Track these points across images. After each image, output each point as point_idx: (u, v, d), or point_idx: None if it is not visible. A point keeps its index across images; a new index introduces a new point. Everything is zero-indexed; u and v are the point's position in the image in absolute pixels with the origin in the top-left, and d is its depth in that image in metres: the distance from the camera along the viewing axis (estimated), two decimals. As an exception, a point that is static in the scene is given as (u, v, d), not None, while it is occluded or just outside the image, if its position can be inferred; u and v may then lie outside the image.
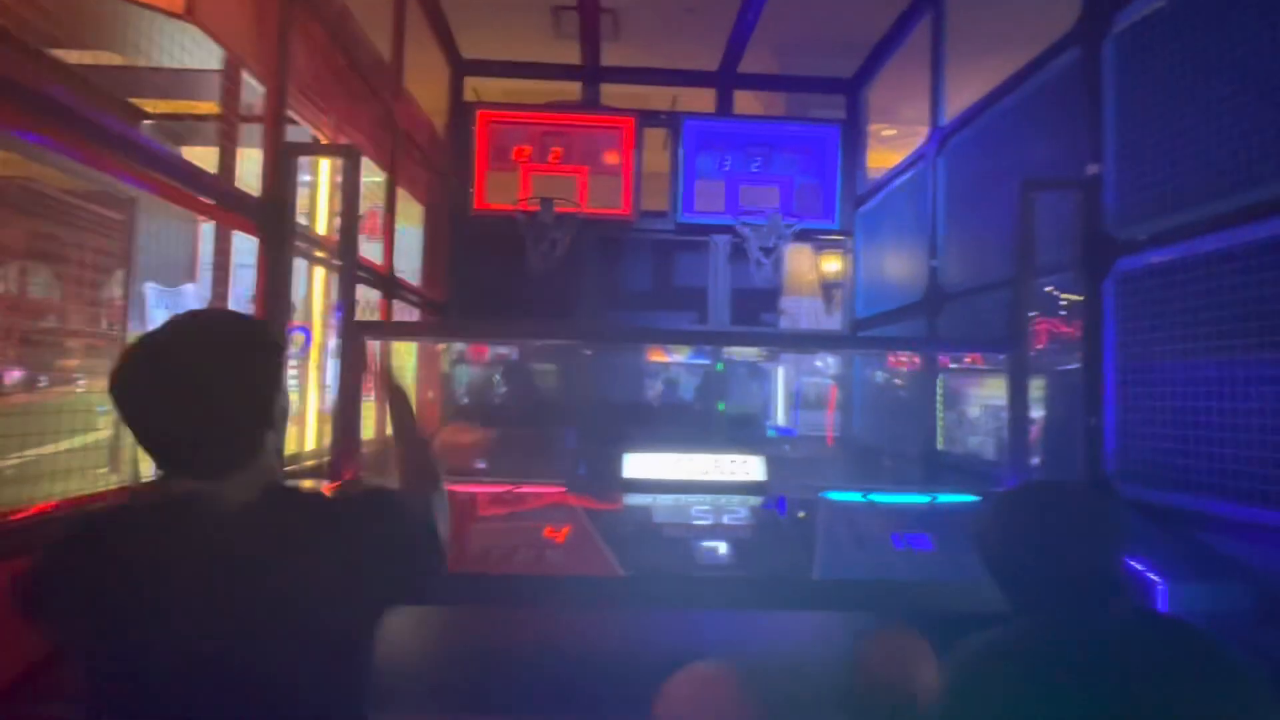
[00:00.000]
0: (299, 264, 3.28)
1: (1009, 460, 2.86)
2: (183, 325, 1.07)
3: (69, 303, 3.21)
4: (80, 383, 3.31)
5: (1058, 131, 3.13)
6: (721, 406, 5.55)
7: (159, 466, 1.05)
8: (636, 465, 2.87)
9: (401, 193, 4.55)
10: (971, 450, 5.05)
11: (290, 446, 3.55)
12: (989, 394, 5.12)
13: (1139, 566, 2.11)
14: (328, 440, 3.28)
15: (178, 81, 3.04)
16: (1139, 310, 2.59)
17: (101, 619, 0.98)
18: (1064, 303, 3.33)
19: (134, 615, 0.97)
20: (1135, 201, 2.63)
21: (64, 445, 2.26)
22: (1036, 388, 3.40)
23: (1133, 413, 2.61)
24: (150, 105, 3.91)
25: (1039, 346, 3.38)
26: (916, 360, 4.69)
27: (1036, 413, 3.49)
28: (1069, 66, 3.03)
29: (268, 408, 1.06)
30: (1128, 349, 2.64)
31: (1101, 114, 2.77)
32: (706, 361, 5.89)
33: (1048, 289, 3.29)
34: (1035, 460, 3.24)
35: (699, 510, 2.57)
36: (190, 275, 4.45)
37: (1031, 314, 3.26)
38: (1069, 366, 2.95)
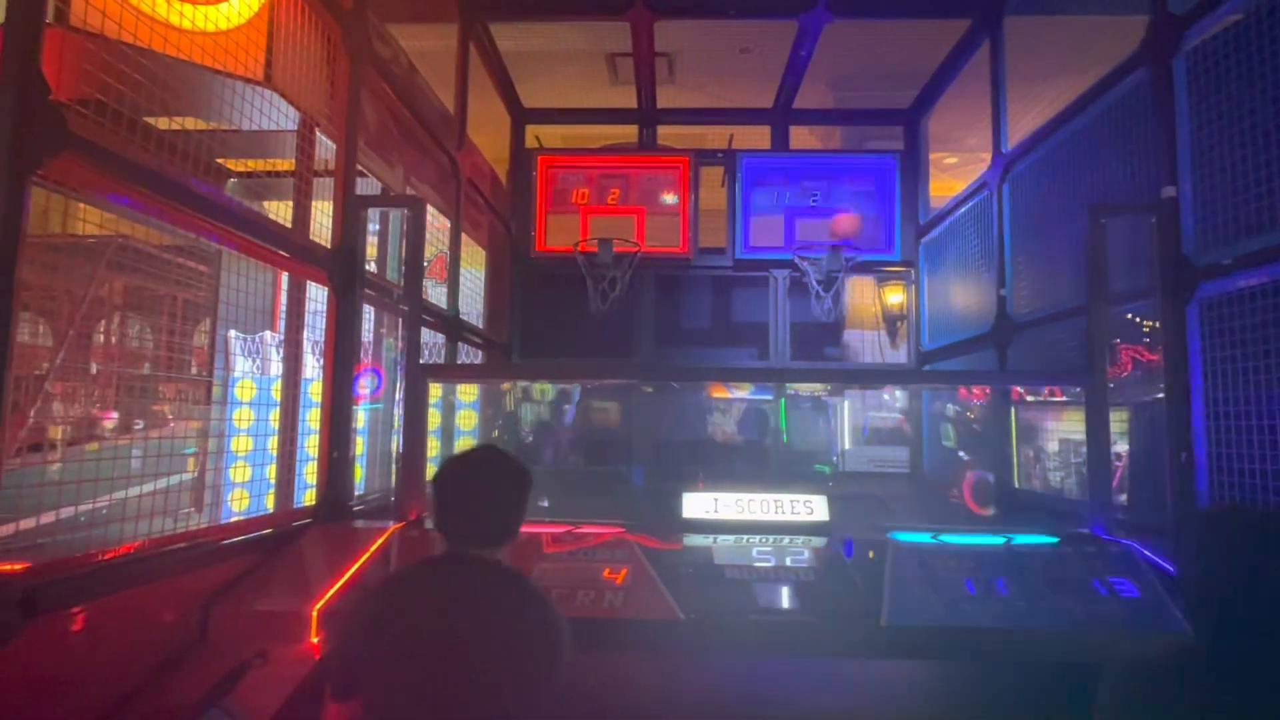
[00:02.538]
0: (369, 309, 3.41)
1: (1090, 498, 2.71)
2: (484, 455, 1.70)
3: (160, 350, 3.40)
4: (170, 426, 3.50)
5: (1127, 154, 3.02)
6: (785, 443, 5.46)
7: (450, 541, 1.57)
8: (696, 505, 2.84)
9: (465, 238, 4.71)
10: (1050, 487, 4.81)
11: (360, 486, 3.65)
12: (1067, 427, 4.87)
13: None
14: (394, 480, 3.36)
15: (258, 142, 3.24)
16: (1228, 337, 2.45)
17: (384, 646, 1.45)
18: (1146, 330, 3.17)
19: (406, 639, 1.45)
20: (1216, 224, 2.50)
21: (149, 487, 2.39)
22: (1120, 420, 3.23)
23: (1226, 446, 2.44)
24: (234, 164, 4.18)
25: (1123, 374, 3.21)
26: (988, 393, 4.52)
27: (1121, 446, 3.31)
28: (1137, 87, 2.93)
29: (519, 514, 1.64)
30: (1217, 379, 2.48)
31: (1174, 135, 2.66)
32: (769, 397, 5.81)
33: (1129, 316, 3.14)
34: (1121, 498, 3.06)
35: (760, 552, 2.51)
36: (270, 323, 4.69)
37: (1114, 341, 3.11)
38: (1154, 397, 2.79)
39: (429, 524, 2.68)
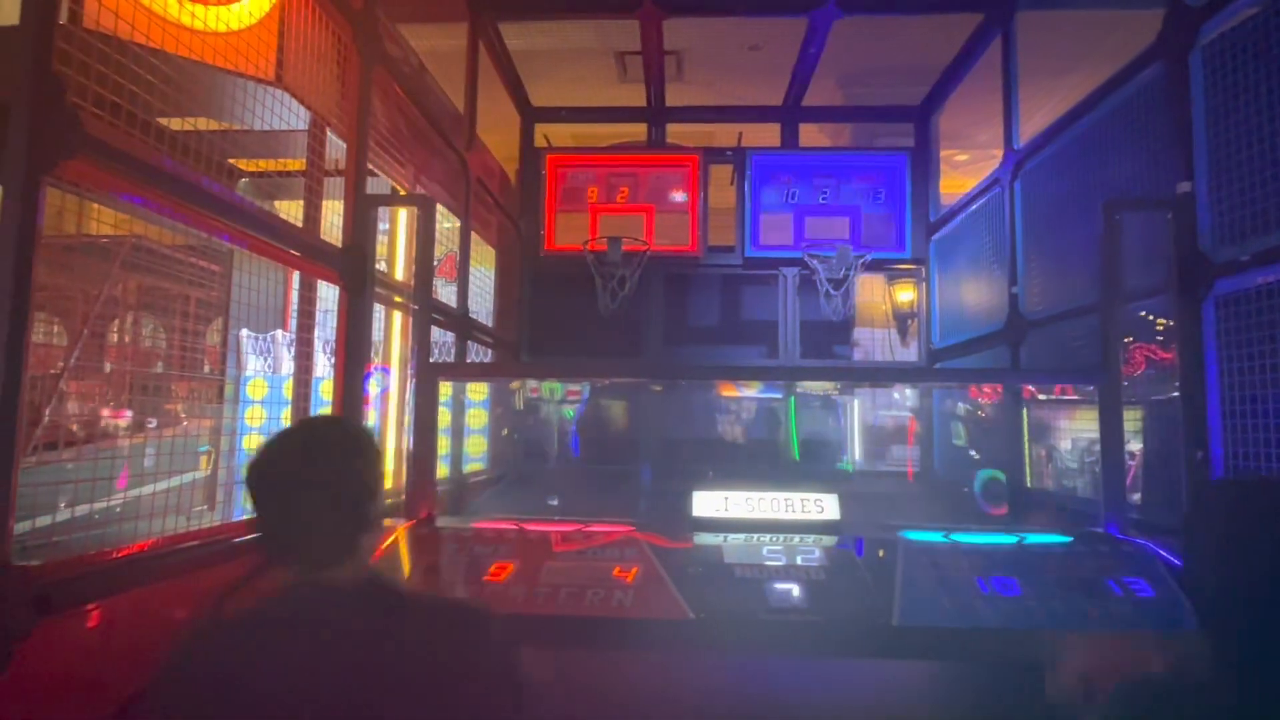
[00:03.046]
0: (379, 308, 3.43)
1: (1103, 498, 2.69)
2: (303, 434, 1.27)
3: (173, 349, 3.43)
4: (184, 424, 3.53)
5: (1142, 150, 2.99)
6: (794, 441, 5.44)
7: (272, 559, 1.21)
8: (706, 503, 2.83)
9: (475, 236, 4.72)
10: (1062, 487, 4.77)
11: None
12: (1080, 426, 4.84)
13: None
14: (404, 479, 3.37)
15: (270, 141, 3.26)
16: (1243, 335, 2.42)
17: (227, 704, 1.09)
18: (1160, 328, 3.14)
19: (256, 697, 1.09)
20: (1232, 219, 2.47)
21: (163, 485, 2.40)
22: (1134, 419, 3.20)
23: (1243, 446, 2.42)
24: (246, 164, 4.20)
25: (1136, 373, 3.18)
26: (999, 391, 4.49)
27: (1134, 445, 3.28)
28: (1152, 82, 2.90)
29: (368, 499, 1.22)
30: (1233, 376, 2.45)
31: (1190, 129, 2.63)
32: (778, 396, 5.79)
33: (1142, 314, 3.11)
34: (1135, 497, 3.04)
35: (770, 550, 2.50)
36: (281, 322, 4.71)
37: (1126, 340, 3.08)
38: (1169, 395, 2.76)
39: (439, 523, 2.69)
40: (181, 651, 1.17)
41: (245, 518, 2.54)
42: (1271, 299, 2.31)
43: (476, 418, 5.09)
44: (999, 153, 4.34)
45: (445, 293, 4.80)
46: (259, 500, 1.17)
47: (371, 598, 1.20)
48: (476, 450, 4.94)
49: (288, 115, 2.76)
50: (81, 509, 2.08)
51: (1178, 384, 2.62)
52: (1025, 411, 4.14)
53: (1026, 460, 4.01)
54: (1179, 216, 2.62)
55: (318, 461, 1.19)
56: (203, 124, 2.54)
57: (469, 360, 4.53)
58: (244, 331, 4.53)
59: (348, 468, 1.21)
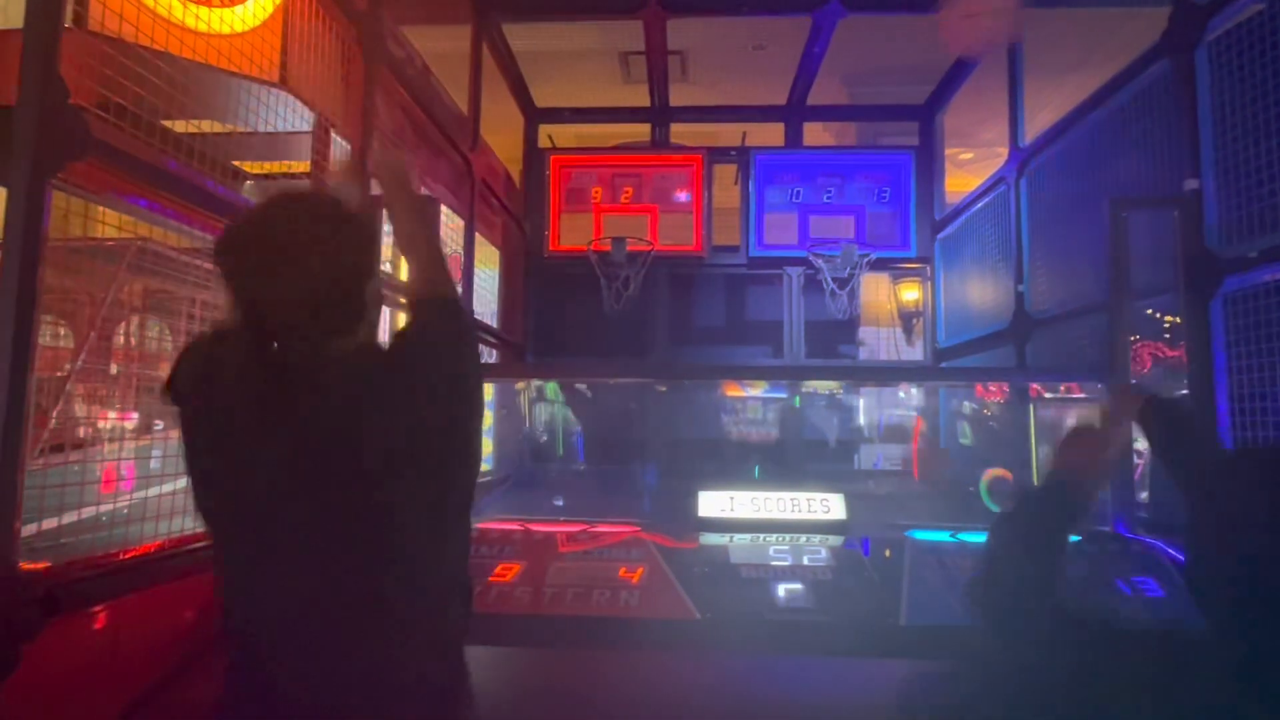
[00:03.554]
0: (385, 309, 3.42)
1: (1111, 496, 2.67)
2: (282, 201, 1.15)
3: (179, 351, 3.42)
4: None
5: (1148, 147, 2.97)
6: (800, 441, 5.43)
7: (255, 329, 1.08)
8: (711, 503, 2.82)
9: (479, 237, 4.72)
10: (1071, 485, 4.75)
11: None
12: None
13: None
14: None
15: (274, 143, 3.26)
16: (1253, 332, 2.40)
17: (212, 424, 1.09)
18: (1168, 325, 3.12)
19: (238, 434, 1.07)
20: (1241, 217, 2.45)
21: (169, 487, 2.41)
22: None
23: (1252, 444, 2.40)
24: (251, 167, 4.21)
25: (1143, 371, 3.17)
26: (1005, 390, 4.47)
27: (1141, 444, 3.26)
28: (1158, 79, 2.89)
29: (359, 284, 1.14)
30: (1242, 375, 2.44)
31: (1197, 126, 2.61)
32: (784, 395, 5.78)
33: (1149, 312, 3.09)
34: (1143, 495, 3.02)
35: (777, 551, 2.50)
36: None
37: (1133, 337, 3.07)
38: (1179, 393, 2.75)
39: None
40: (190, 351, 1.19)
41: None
42: (1275, 297, 2.30)
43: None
44: (1004, 151, 4.33)
45: (450, 294, 4.80)
46: (236, 272, 1.07)
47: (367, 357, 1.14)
48: (483, 451, 4.94)
49: (291, 117, 2.77)
50: (88, 511, 2.08)
51: (1185, 382, 2.61)
52: (1032, 410, 4.12)
53: (1034, 459, 3.98)
54: (1186, 214, 2.60)
55: (310, 226, 1.09)
56: (207, 126, 2.55)
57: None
58: (250, 333, 4.55)
59: (349, 236, 1.12)
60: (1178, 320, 2.73)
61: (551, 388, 5.76)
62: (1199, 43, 2.63)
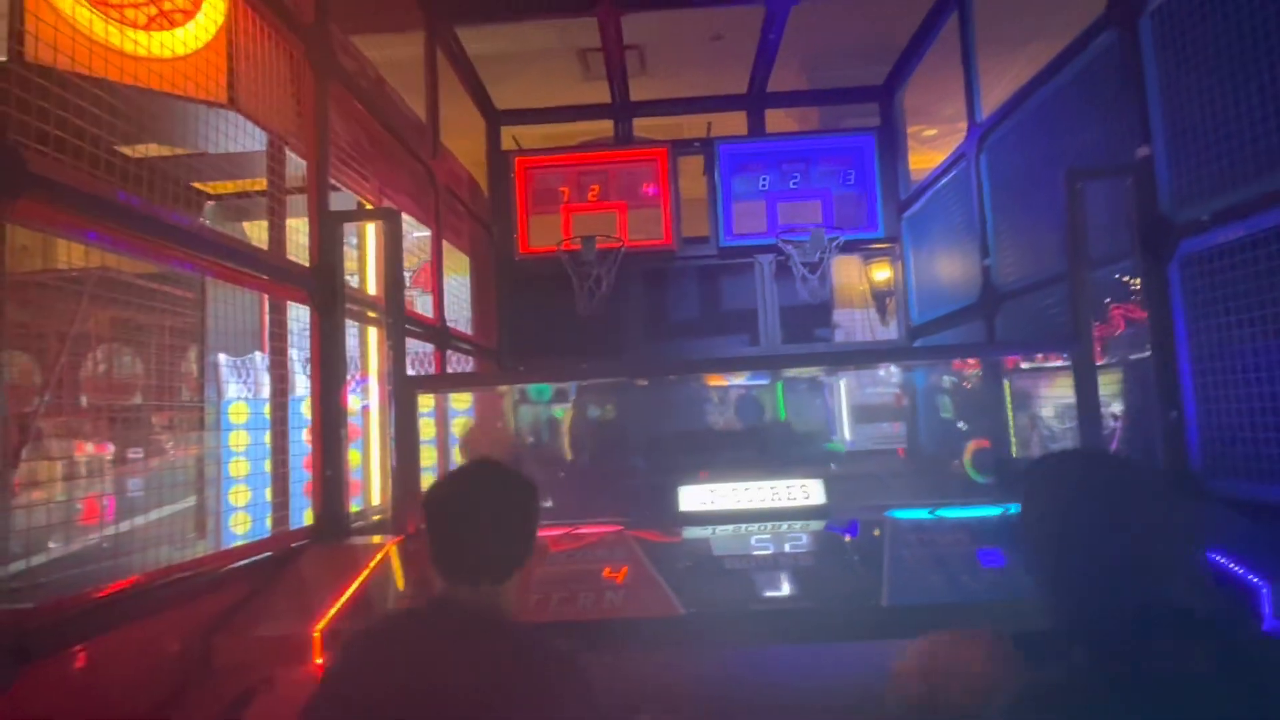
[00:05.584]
0: (356, 322, 3.40)
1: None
2: (482, 471, 1.49)
3: (150, 379, 3.39)
4: (169, 453, 3.50)
5: (1103, 116, 3.01)
6: (782, 426, 5.46)
7: (447, 576, 1.38)
8: (692, 497, 2.84)
9: (449, 245, 4.69)
10: (1048, 453, 4.82)
11: (357, 503, 3.65)
12: (1061, 393, 4.88)
13: (1236, 568, 1.96)
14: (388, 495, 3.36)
15: (227, 164, 3.22)
16: (1210, 294, 2.44)
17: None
18: (1136, 288, 3.16)
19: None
20: (1192, 181, 2.49)
21: (143, 519, 2.39)
22: (1113, 382, 3.23)
23: (1214, 403, 2.45)
24: (211, 188, 4.15)
25: (1117, 333, 3.20)
26: (980, 363, 4.52)
27: (1117, 407, 3.31)
28: (1106, 49, 2.92)
29: (528, 540, 1.45)
30: (1202, 336, 2.48)
31: (1146, 95, 2.65)
32: (763, 382, 5.81)
33: (1118, 276, 3.13)
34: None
35: (759, 540, 2.52)
36: (258, 344, 4.65)
37: (1105, 301, 3.11)
38: (1147, 355, 2.79)
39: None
40: (342, 658, 1.36)
41: (234, 545, 2.53)
42: (1234, 256, 2.34)
43: (462, 427, 5.08)
44: (965, 126, 4.36)
45: (422, 303, 4.78)
46: (444, 519, 1.39)
47: (498, 627, 1.34)
48: (464, 460, 4.92)
49: (243, 138, 2.73)
50: (60, 548, 2.05)
51: (1149, 346, 2.65)
52: (1007, 381, 4.17)
53: (1010, 429, 4.04)
54: (1139, 181, 2.64)
55: (506, 497, 1.43)
56: (155, 151, 2.51)
57: (451, 370, 4.50)
58: (221, 356, 4.47)
59: (522, 509, 1.45)
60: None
61: (531, 390, 5.75)
62: (1141, 12, 2.66)
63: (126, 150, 2.10)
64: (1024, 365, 4.56)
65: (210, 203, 4.57)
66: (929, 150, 7.07)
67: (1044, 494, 1.14)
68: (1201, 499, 2.40)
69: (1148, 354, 2.70)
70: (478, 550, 1.37)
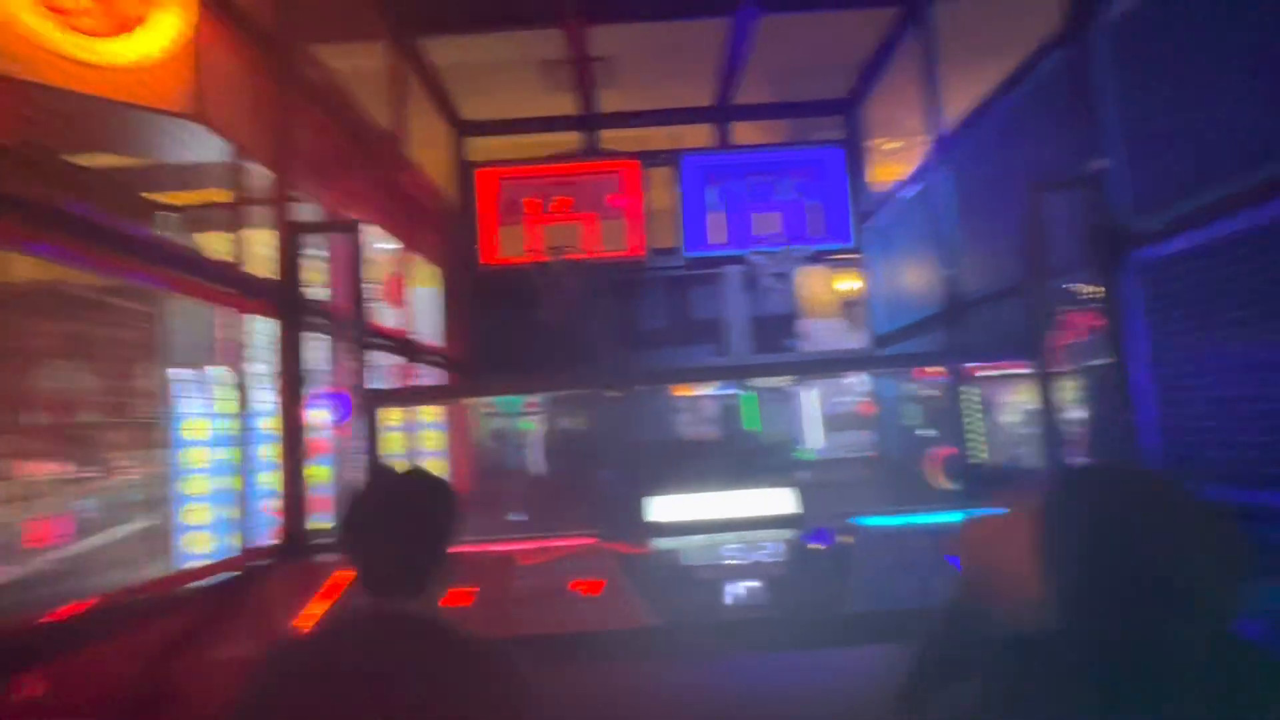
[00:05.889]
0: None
1: (1045, 467, 2.76)
2: (397, 481, 1.43)
3: (105, 395, 3.30)
4: (127, 471, 3.39)
5: (1062, 129, 3.08)
6: (752, 435, 5.48)
7: (371, 591, 1.32)
8: (664, 508, 2.82)
9: (417, 257, 4.64)
10: (1012, 459, 4.90)
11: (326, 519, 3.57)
12: (1025, 399, 4.98)
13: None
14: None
15: (193, 173, 3.16)
16: (1165, 301, 2.51)
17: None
18: (1099, 295, 3.23)
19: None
20: (1147, 191, 2.56)
21: (99, 540, 2.31)
22: (1076, 387, 3.29)
23: (1171, 406, 2.50)
24: (169, 198, 4.06)
25: (1081, 340, 3.27)
26: (945, 371, 4.59)
27: (1080, 413, 3.37)
28: (1061, 63, 2.99)
29: (445, 547, 1.38)
30: (1159, 341, 2.54)
31: (1101, 108, 2.72)
32: (734, 391, 5.83)
33: (1078, 285, 3.19)
34: (1077, 464, 3.12)
35: (729, 549, 2.51)
36: (213, 358, 4.54)
37: (1065, 308, 3.16)
38: (1104, 361, 2.85)
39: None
40: (263, 669, 1.27)
41: (191, 565, 2.46)
42: (1188, 264, 2.40)
43: (432, 439, 5.01)
44: (928, 139, 4.43)
45: (390, 316, 4.71)
46: (360, 531, 1.34)
47: (437, 630, 1.30)
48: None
49: (204, 150, 2.68)
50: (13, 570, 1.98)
51: (1107, 352, 2.71)
52: (972, 389, 4.23)
53: (974, 436, 4.09)
54: (1096, 192, 2.71)
55: (423, 504, 1.38)
56: (111, 161, 2.45)
57: (421, 382, 4.45)
58: (178, 371, 4.37)
59: (441, 516, 1.39)
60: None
61: (502, 403, 5.70)
62: (1096, 25, 2.74)
63: (85, 159, 2.05)
64: (989, 373, 4.64)
65: (173, 215, 4.47)
66: (894, 162, 7.18)
67: (1066, 515, 1.03)
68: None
69: (1110, 360, 2.76)
70: (382, 564, 1.31)
